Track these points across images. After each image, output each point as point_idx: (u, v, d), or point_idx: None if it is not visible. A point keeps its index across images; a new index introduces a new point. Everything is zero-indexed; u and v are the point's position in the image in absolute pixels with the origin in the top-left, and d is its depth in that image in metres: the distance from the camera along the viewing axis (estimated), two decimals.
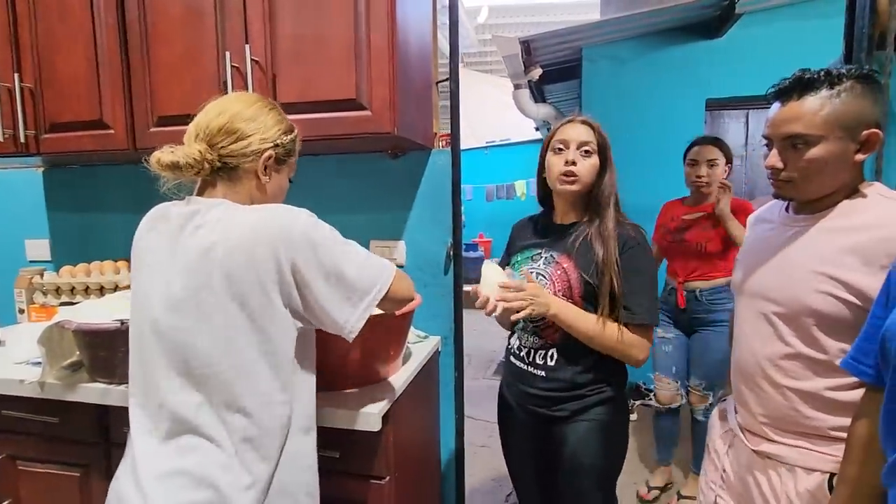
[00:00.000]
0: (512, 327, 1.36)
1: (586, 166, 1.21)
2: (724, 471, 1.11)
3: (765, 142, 0.99)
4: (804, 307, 0.93)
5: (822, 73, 0.90)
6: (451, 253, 1.64)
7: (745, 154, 3.55)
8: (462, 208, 1.67)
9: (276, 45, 1.34)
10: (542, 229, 1.33)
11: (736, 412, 1.10)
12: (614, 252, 1.16)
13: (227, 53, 1.34)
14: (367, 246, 1.66)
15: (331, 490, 1.05)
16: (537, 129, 6.28)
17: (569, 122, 1.25)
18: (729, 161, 2.06)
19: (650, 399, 2.37)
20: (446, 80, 1.62)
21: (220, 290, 0.85)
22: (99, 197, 1.95)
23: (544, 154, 1.28)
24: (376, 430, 1.11)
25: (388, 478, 1.17)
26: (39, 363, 1.27)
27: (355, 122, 1.31)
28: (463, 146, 1.66)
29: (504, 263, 1.36)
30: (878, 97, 0.90)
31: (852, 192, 0.94)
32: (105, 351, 1.21)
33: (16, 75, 1.52)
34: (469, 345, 1.95)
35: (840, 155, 0.90)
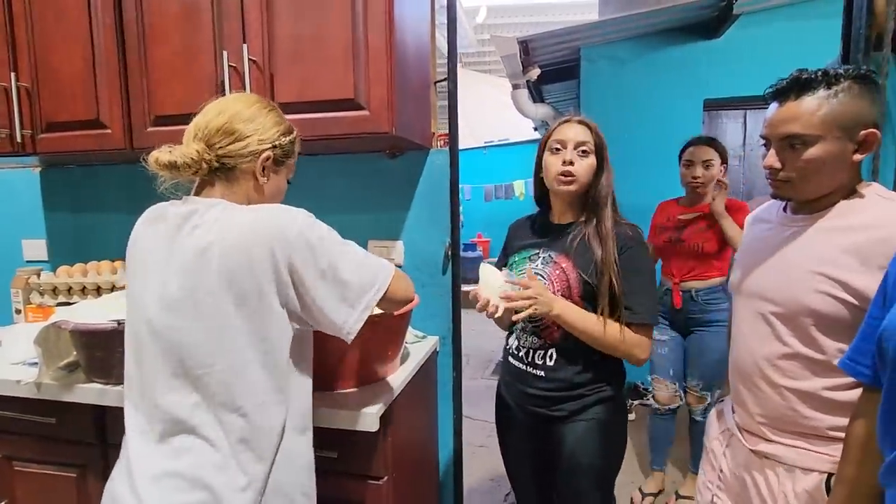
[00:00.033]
0: (510, 327, 1.36)
1: (584, 166, 1.21)
2: (722, 471, 1.11)
3: (763, 142, 0.99)
4: (802, 307, 0.93)
5: (820, 73, 0.90)
6: (450, 253, 1.64)
7: (743, 154, 3.57)
8: (460, 208, 1.67)
9: (274, 45, 1.33)
10: (539, 229, 1.33)
11: (734, 412, 1.10)
12: (613, 252, 1.17)
13: (225, 53, 1.34)
14: (364, 246, 1.65)
15: (328, 490, 1.05)
16: (536, 129, 6.29)
17: (566, 121, 1.25)
18: (724, 161, 2.05)
19: (648, 399, 2.37)
20: (444, 79, 1.62)
21: (217, 290, 0.84)
22: (96, 197, 1.94)
23: (541, 154, 1.27)
24: (374, 430, 1.11)
25: (385, 478, 1.17)
26: (36, 363, 1.26)
27: (353, 122, 1.31)
28: (461, 146, 1.66)
29: (501, 264, 1.36)
30: (876, 97, 0.90)
31: (850, 192, 0.95)
32: (102, 351, 1.21)
33: (12, 74, 1.52)
34: (467, 345, 1.95)
35: (838, 155, 0.90)
